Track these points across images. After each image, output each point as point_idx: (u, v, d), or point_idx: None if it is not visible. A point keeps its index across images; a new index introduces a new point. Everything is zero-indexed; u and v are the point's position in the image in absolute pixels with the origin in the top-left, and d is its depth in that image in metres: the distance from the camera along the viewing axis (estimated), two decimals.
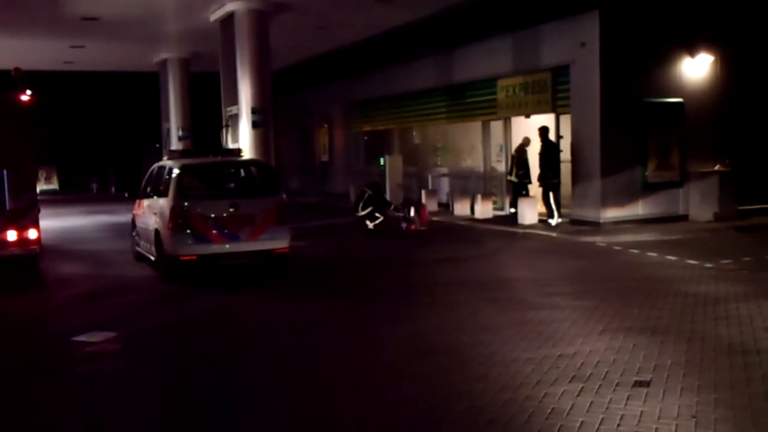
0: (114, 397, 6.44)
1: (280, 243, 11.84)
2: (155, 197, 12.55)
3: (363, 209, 17.44)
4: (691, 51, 16.60)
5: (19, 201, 11.85)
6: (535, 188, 18.06)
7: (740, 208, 16.57)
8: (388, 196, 19.83)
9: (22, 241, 11.85)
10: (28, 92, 12.06)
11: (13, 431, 5.83)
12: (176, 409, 6.14)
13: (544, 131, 17.01)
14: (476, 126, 21.01)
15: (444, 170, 23.09)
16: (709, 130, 16.72)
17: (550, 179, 16.93)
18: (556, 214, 16.79)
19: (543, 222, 17.13)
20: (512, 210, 18.30)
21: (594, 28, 15.85)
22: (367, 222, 17.38)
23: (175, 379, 6.91)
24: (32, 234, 11.93)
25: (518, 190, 18.13)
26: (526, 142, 18.00)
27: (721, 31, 16.80)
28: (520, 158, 17.99)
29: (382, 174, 22.03)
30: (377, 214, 17.34)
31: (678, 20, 16.38)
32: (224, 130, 20.64)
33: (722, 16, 16.71)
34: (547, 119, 17.90)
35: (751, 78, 17.01)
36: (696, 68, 16.73)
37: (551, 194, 16.99)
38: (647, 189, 16.45)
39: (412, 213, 17.27)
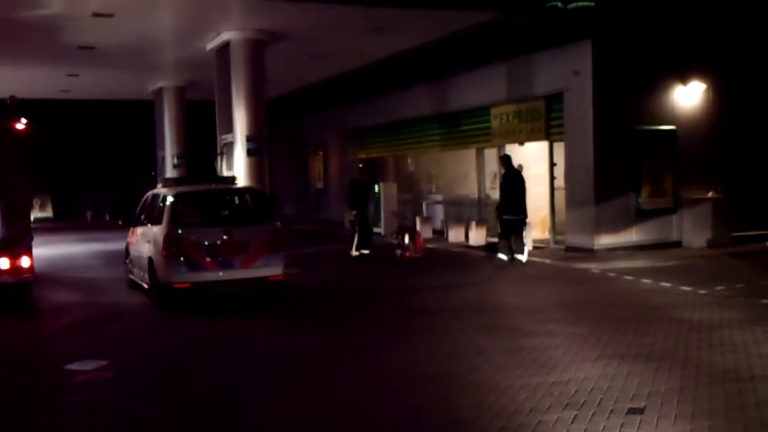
0: (106, 426, 6.39)
1: (274, 270, 11.83)
2: (149, 225, 12.55)
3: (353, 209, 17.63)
4: (684, 79, 16.74)
5: (12, 229, 11.83)
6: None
7: (734, 234, 16.61)
8: (382, 222, 19.88)
9: (15, 269, 11.80)
10: (23, 120, 12.10)
11: None
12: None
13: (505, 160, 15.89)
14: (470, 153, 21.10)
15: (438, 197, 23.14)
16: (702, 157, 16.80)
17: (507, 213, 15.35)
18: (525, 249, 15.62)
19: (537, 249, 17.12)
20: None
21: (587, 56, 15.98)
22: (353, 252, 17.44)
23: (167, 408, 6.86)
24: (25, 262, 11.89)
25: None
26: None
27: (713, 59, 16.94)
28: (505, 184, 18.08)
29: (377, 199, 22.04)
30: (362, 236, 17.36)
31: (670, 48, 16.53)
32: (219, 158, 20.68)
33: (714, 44, 16.86)
34: (541, 147, 18.01)
35: (743, 105, 17.14)
36: (688, 96, 16.85)
37: (513, 232, 15.38)
38: (641, 216, 16.50)
39: (407, 240, 17.28)
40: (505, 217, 15.44)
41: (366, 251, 17.51)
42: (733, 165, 17.03)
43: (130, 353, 8.96)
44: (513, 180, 15.56)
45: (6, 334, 10.50)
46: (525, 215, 15.58)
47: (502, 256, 15.45)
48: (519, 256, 15.40)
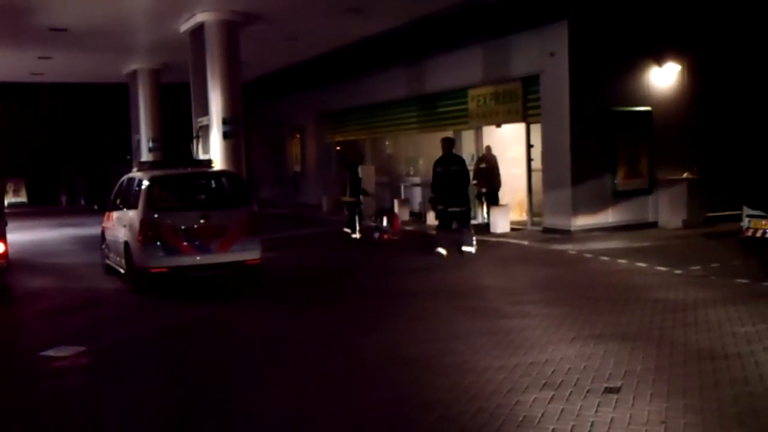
0: (83, 412, 6.35)
1: (251, 254, 11.78)
2: (125, 209, 12.44)
3: (351, 195, 17.46)
4: (659, 60, 16.81)
5: None
6: (507, 197, 18.25)
7: (709, 215, 16.77)
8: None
9: None
10: None
11: None
12: (146, 424, 6.07)
13: (447, 143, 14.52)
14: (448, 135, 21.05)
15: (416, 180, 23.13)
16: (678, 138, 16.92)
17: (441, 204, 14.12)
18: (473, 240, 14.28)
19: (515, 230, 17.23)
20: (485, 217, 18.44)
21: (563, 38, 15.99)
22: (347, 229, 17.37)
23: (145, 394, 6.82)
24: None
25: (488, 199, 18.29)
26: (487, 151, 18.27)
27: (688, 40, 17.03)
28: (477, 167, 18.19)
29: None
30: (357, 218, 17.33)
31: (646, 30, 16.58)
32: (195, 141, 20.54)
33: (689, 26, 16.94)
34: (518, 128, 18.04)
35: (718, 86, 17.24)
36: (664, 77, 16.94)
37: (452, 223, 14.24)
38: (617, 197, 16.61)
39: (385, 222, 17.29)
40: (440, 207, 14.13)
41: (354, 233, 17.43)
42: (708, 146, 17.16)
43: (107, 339, 8.89)
44: (443, 167, 14.03)
45: None
46: (465, 206, 14.17)
47: (441, 250, 14.07)
48: (466, 248, 14.09)
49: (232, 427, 5.80)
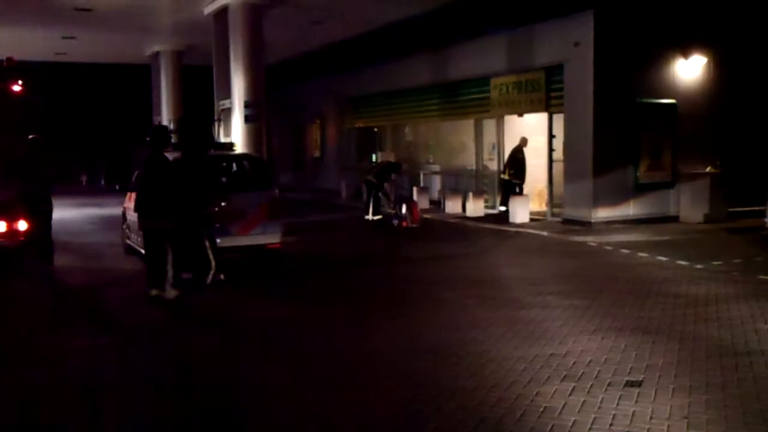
0: (105, 390, 6.39)
1: (271, 238, 11.80)
2: None
3: (377, 179, 17.40)
4: (685, 52, 16.64)
5: (8, 192, 11.76)
6: (528, 188, 18.15)
7: (731, 209, 16.62)
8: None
9: (12, 232, 11.76)
10: (20, 82, 12.00)
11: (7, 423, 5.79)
12: (171, 403, 6.10)
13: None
14: (469, 124, 21.01)
15: (436, 168, 23.08)
16: (702, 131, 16.77)
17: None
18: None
19: (535, 221, 17.17)
20: (502, 208, 18.29)
21: (588, 28, 15.86)
22: (368, 217, 17.32)
23: (165, 375, 6.86)
24: (22, 225, 11.84)
25: (509, 188, 18.14)
26: (523, 142, 17.99)
27: (714, 32, 16.84)
28: (514, 157, 18.00)
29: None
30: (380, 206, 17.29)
31: (672, 21, 16.41)
32: (216, 124, 20.57)
33: (716, 17, 16.75)
34: (540, 118, 17.92)
35: (744, 80, 17.05)
36: (689, 69, 16.77)
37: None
38: (639, 189, 16.49)
39: (404, 210, 17.26)
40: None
41: (376, 217, 17.41)
42: (732, 140, 16.99)
43: (127, 319, 8.95)
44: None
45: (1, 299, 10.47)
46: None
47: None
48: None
49: (247, 411, 5.82)
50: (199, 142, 11.41)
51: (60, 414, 5.87)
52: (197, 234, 10.05)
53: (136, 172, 13.70)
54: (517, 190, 18.02)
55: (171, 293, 9.53)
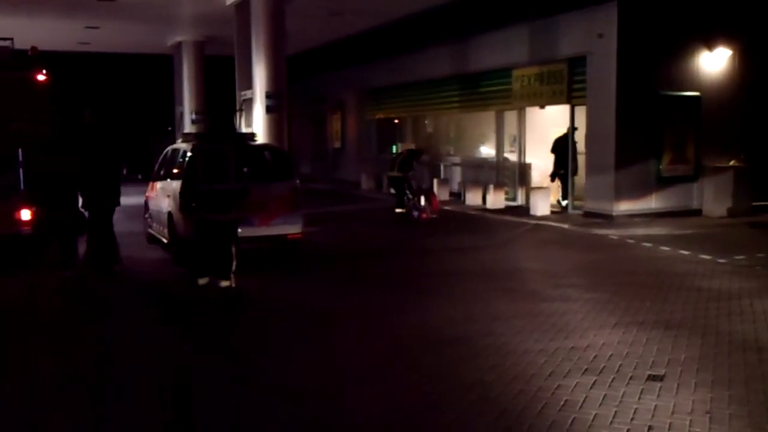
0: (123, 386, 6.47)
1: (293, 228, 11.83)
2: (169, 180, 12.55)
3: (399, 170, 17.35)
4: (709, 45, 16.47)
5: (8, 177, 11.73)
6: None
7: (754, 204, 16.46)
8: None
9: (27, 222, 11.77)
10: (44, 72, 12.06)
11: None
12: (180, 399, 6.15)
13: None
14: (490, 116, 20.93)
15: (456, 159, 23.02)
16: (726, 124, 16.60)
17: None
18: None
19: (555, 213, 17.09)
20: (564, 203, 17.87)
21: (612, 19, 15.73)
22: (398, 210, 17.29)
23: (188, 361, 6.90)
24: (25, 215, 11.81)
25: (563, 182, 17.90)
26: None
27: (739, 25, 16.64)
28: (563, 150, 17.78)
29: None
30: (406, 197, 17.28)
31: (696, 13, 16.23)
32: (238, 114, 20.63)
33: (741, 10, 16.55)
34: (562, 110, 17.82)
35: None
36: (714, 62, 16.60)
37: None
38: (661, 183, 16.37)
39: (423, 202, 17.24)
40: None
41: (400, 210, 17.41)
42: (757, 134, 16.81)
43: (151, 308, 9.02)
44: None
45: (22, 286, 10.57)
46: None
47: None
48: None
49: (266, 397, 5.85)
50: (239, 133, 11.42)
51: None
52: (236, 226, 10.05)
53: (157, 162, 13.78)
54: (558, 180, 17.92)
55: (224, 283, 9.57)
